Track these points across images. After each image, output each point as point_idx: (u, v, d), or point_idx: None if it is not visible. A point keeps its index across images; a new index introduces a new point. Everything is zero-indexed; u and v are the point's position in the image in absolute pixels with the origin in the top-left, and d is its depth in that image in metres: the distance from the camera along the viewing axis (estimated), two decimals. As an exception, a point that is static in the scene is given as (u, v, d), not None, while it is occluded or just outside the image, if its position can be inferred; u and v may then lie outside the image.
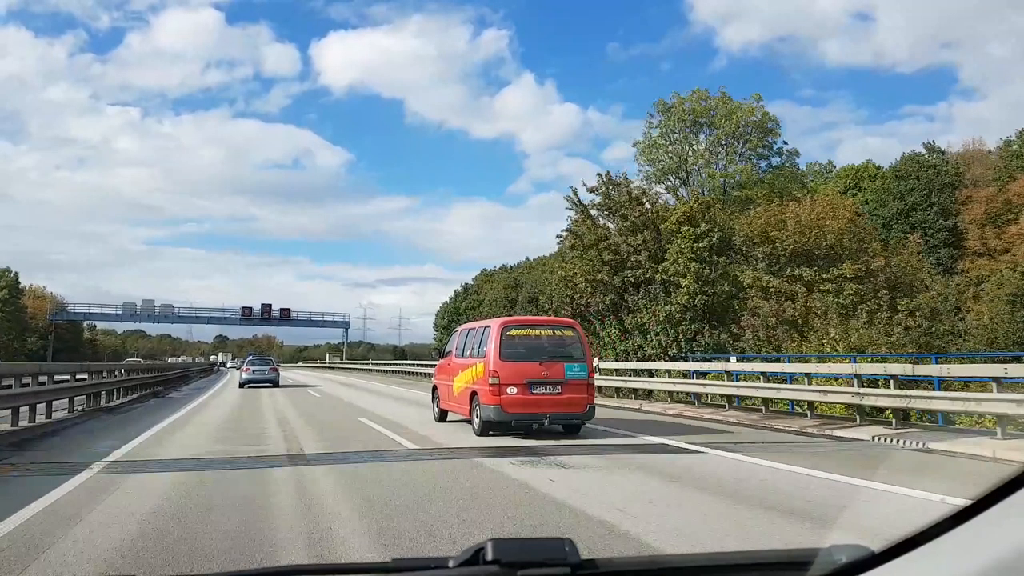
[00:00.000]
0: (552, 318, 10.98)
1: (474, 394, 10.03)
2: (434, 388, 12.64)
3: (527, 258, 61.20)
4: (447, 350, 12.21)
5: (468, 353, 10.75)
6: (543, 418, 9.42)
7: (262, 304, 77.94)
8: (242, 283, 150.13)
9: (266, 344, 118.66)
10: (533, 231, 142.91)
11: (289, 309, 78.68)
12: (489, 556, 0.97)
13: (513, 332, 9.97)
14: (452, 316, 58.60)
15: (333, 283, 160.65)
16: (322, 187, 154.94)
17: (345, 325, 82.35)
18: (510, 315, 34.29)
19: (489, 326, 10.19)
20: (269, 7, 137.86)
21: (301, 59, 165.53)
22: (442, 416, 11.93)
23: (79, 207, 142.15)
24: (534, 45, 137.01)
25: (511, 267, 63.65)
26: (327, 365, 68.73)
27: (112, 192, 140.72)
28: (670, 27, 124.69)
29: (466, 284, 66.86)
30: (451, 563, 1.00)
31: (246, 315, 77.32)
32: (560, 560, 0.99)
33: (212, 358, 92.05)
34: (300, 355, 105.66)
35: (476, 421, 9.89)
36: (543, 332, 10.26)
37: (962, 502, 0.78)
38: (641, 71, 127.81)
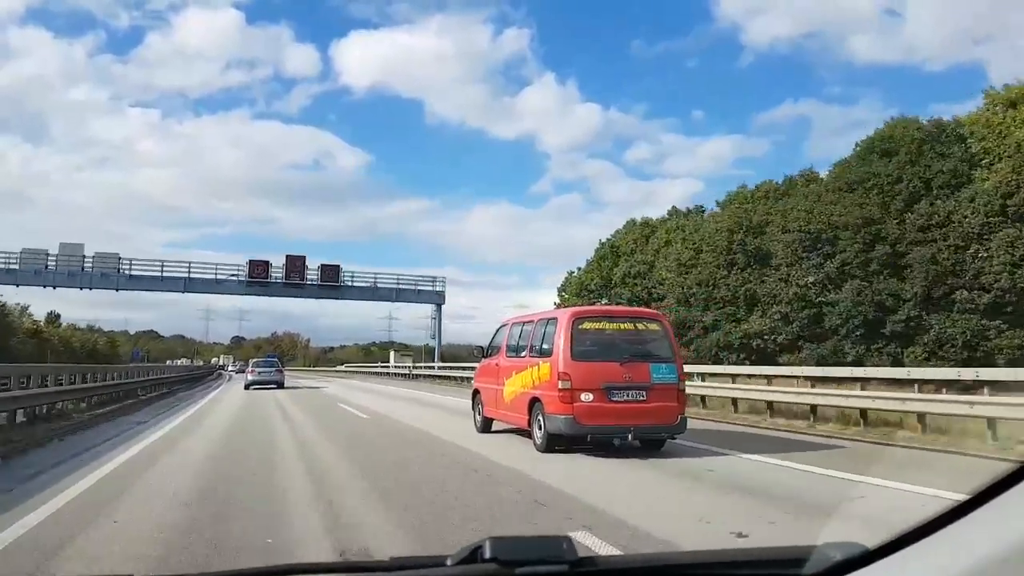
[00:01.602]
0: (633, 308, 9.79)
1: (535, 401, 8.73)
2: (475, 393, 11.42)
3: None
4: (492, 348, 11.09)
5: (524, 352, 9.48)
6: (626, 431, 7.99)
7: (289, 257, 47.15)
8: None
9: (288, 344, 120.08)
10: (553, 233, 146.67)
11: (337, 266, 48.01)
12: (487, 554, 1.02)
13: (587, 325, 8.60)
14: (583, 290, 45.09)
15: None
16: (342, 188, 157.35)
17: (437, 300, 50.48)
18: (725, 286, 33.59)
19: (555, 318, 8.85)
20: (290, 7, 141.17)
21: (321, 59, 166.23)
22: (486, 426, 10.74)
23: (101, 209, 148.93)
24: (555, 44, 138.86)
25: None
26: (399, 370, 47.44)
27: (134, 194, 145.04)
28: (695, 23, 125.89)
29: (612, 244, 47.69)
30: (449, 561, 1.05)
31: (257, 275, 46.17)
32: (558, 558, 1.04)
33: (214, 361, 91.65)
34: (325, 357, 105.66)
35: (539, 433, 8.56)
36: (623, 326, 8.89)
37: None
38: (665, 69, 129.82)
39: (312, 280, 47.49)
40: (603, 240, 48.28)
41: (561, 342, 8.40)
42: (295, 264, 47.29)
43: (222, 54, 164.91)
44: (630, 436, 8.09)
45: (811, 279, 31.60)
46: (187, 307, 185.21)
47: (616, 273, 42.69)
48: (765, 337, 32.30)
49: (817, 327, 31.34)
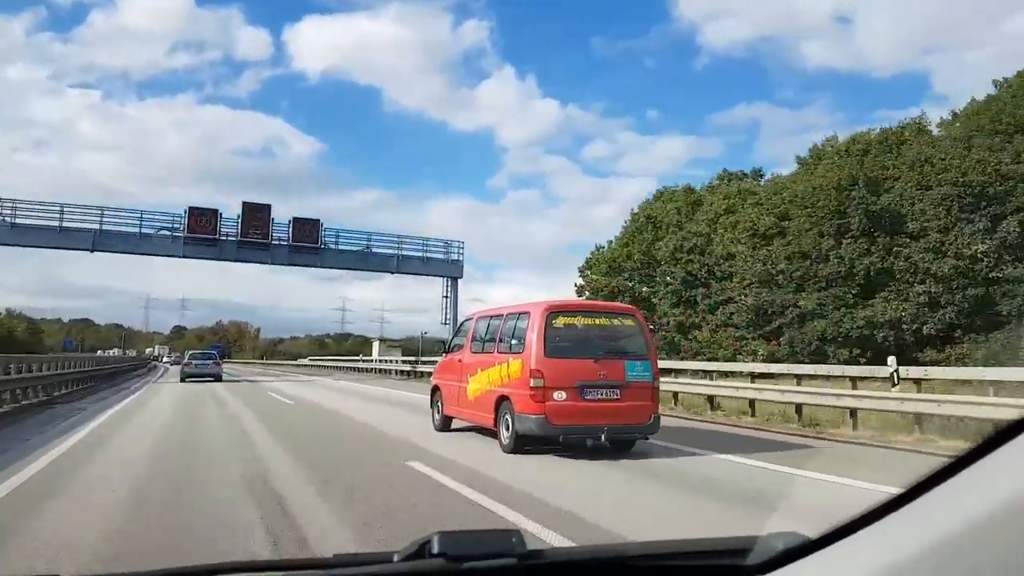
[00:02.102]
0: (608, 303, 9.69)
1: (503, 399, 8.66)
2: (434, 390, 11.35)
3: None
4: (454, 343, 11.02)
5: (492, 347, 9.42)
6: (600, 431, 7.96)
7: (248, 206, 34.24)
8: (209, 274, 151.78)
9: (235, 333, 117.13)
10: (511, 228, 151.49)
11: (317, 222, 35.22)
12: (435, 549, 1.03)
13: (561, 320, 8.55)
14: (615, 268, 39.36)
15: (304, 277, 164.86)
16: (295, 178, 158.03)
17: (452, 272, 37.55)
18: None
19: (526, 312, 8.78)
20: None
21: (274, 43, 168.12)
22: (445, 424, 10.70)
23: (40, 193, 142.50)
24: (515, 37, 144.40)
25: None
26: (388, 366, 39.23)
27: (74, 178, 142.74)
28: (654, 23, 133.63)
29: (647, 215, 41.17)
30: (396, 558, 1.07)
31: (202, 230, 32.78)
32: (507, 551, 1.06)
33: (149, 351, 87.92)
34: (275, 350, 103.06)
35: (506, 434, 8.50)
36: (598, 321, 8.86)
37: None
38: (624, 67, 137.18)
39: (280, 239, 33.94)
40: (635, 209, 42.48)
41: (534, 337, 8.34)
42: (255, 216, 33.59)
43: (168, 35, 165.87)
44: (603, 436, 8.05)
45: (981, 247, 24.59)
46: (127, 296, 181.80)
47: (661, 248, 36.69)
48: (904, 327, 25.31)
49: (984, 313, 24.43)
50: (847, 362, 22.21)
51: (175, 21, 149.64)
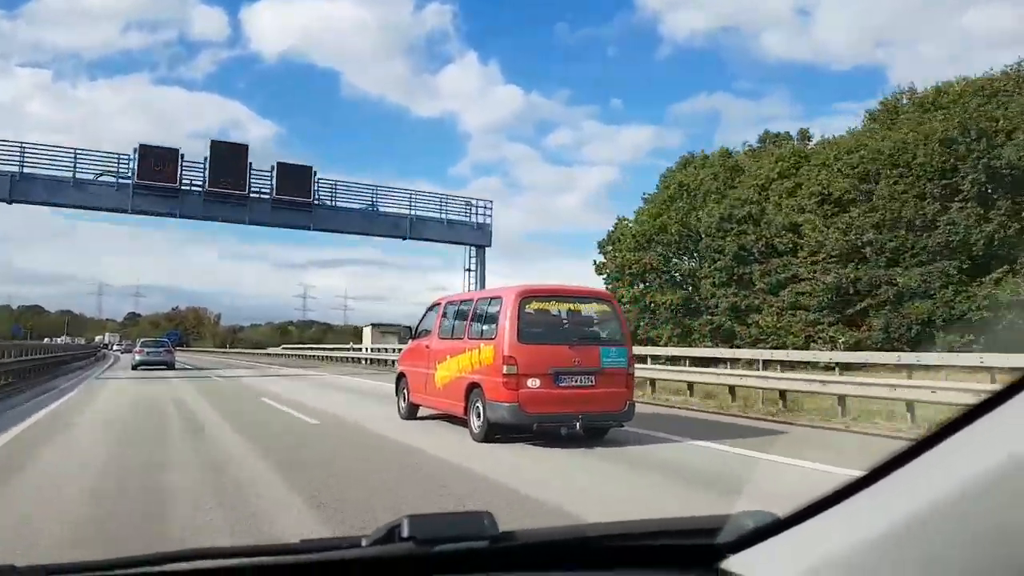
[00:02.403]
0: (582, 287, 9.54)
1: (473, 387, 8.62)
2: (399, 377, 11.33)
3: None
4: (421, 329, 10.95)
5: (461, 333, 9.36)
6: (574, 419, 7.97)
7: (218, 146, 26.09)
8: (164, 260, 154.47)
9: (192, 320, 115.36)
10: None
11: (309, 169, 26.95)
12: (405, 533, 1.04)
13: (534, 305, 8.54)
14: (645, 242, 34.46)
15: (262, 264, 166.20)
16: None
17: (478, 239, 29.15)
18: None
19: (498, 297, 8.75)
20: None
21: (230, 24, 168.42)
22: (411, 412, 10.68)
23: None
24: (478, 22, 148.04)
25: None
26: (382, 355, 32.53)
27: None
28: (617, 10, 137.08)
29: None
30: (364, 542, 1.06)
31: (158, 177, 24.45)
32: (478, 534, 1.07)
33: (98, 339, 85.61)
34: (235, 338, 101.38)
35: (476, 422, 8.46)
36: (572, 306, 8.89)
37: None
38: (587, 55, 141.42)
39: (262, 193, 25.80)
40: (664, 174, 39.02)
41: (507, 323, 8.30)
42: (229, 161, 25.11)
43: (122, 14, 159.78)
44: (578, 425, 8.05)
45: None
46: (78, 283, 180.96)
47: (703, 219, 32.60)
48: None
49: None
50: (959, 349, 19.17)
51: (129, 0, 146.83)
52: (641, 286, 34.57)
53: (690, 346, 26.58)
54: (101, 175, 24.19)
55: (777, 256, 29.40)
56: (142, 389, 16.76)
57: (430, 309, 11.01)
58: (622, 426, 8.62)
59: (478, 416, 8.48)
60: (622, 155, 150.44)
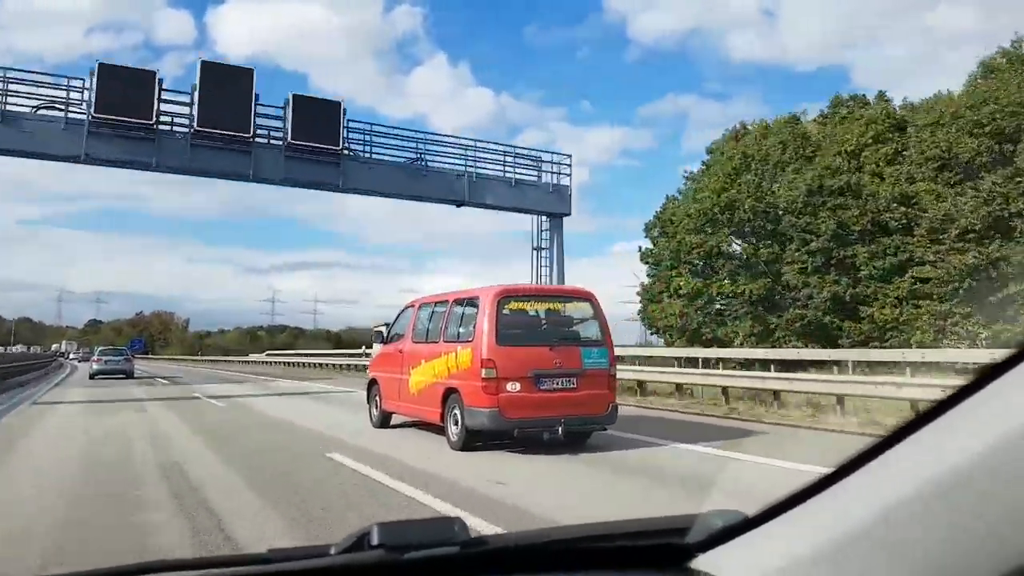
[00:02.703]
0: (561, 287, 9.60)
1: (450, 392, 8.61)
2: (371, 383, 11.31)
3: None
4: (394, 333, 10.94)
5: (437, 337, 9.36)
6: (556, 423, 7.98)
7: (209, 67, 18.27)
8: (127, 266, 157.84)
9: (158, 326, 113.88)
10: (445, 219, 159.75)
11: (338, 105, 19.79)
12: (374, 540, 1.05)
13: (513, 305, 8.57)
14: (707, 221, 29.45)
15: (227, 268, 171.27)
16: None
17: (555, 207, 22.21)
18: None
19: (475, 297, 8.75)
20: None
21: (196, 26, 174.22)
22: (384, 420, 10.69)
23: None
24: (449, 25, 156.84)
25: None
26: None
27: None
28: (587, 13, 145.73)
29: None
30: (333, 550, 1.07)
31: (121, 112, 17.08)
32: (448, 540, 1.08)
33: (55, 347, 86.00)
34: (203, 344, 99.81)
35: (454, 429, 8.45)
36: (552, 305, 8.96)
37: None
38: (558, 58, 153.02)
39: (271, 137, 19.36)
40: (711, 147, 34.66)
41: (485, 325, 8.29)
42: (228, 89, 18.44)
43: (85, 16, 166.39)
44: (560, 429, 8.05)
45: None
46: (38, 292, 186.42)
47: (780, 192, 28.22)
48: None
49: None
50: None
51: (92, 2, 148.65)
52: (701, 276, 29.93)
53: (774, 346, 23.65)
54: (40, 108, 17.20)
55: (887, 235, 25.08)
56: (100, 426, 11.24)
57: (403, 311, 11.01)
58: (605, 429, 8.67)
59: (456, 423, 8.46)
60: (591, 156, 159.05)
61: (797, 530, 0.93)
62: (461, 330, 8.89)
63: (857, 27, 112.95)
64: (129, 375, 28.56)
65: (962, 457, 0.75)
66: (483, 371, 8.05)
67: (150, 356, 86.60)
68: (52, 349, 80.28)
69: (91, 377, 27.47)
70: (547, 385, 8.20)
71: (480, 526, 4.60)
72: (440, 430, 8.90)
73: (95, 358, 30.73)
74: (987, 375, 0.77)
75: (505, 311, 8.41)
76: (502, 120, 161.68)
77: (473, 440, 8.29)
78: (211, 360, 65.31)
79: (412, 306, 10.71)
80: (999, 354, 0.79)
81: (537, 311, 8.81)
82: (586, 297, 9.16)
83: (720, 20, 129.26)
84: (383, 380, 10.80)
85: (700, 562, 1.08)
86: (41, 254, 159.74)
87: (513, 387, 8.06)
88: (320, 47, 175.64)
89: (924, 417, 0.82)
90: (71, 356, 70.05)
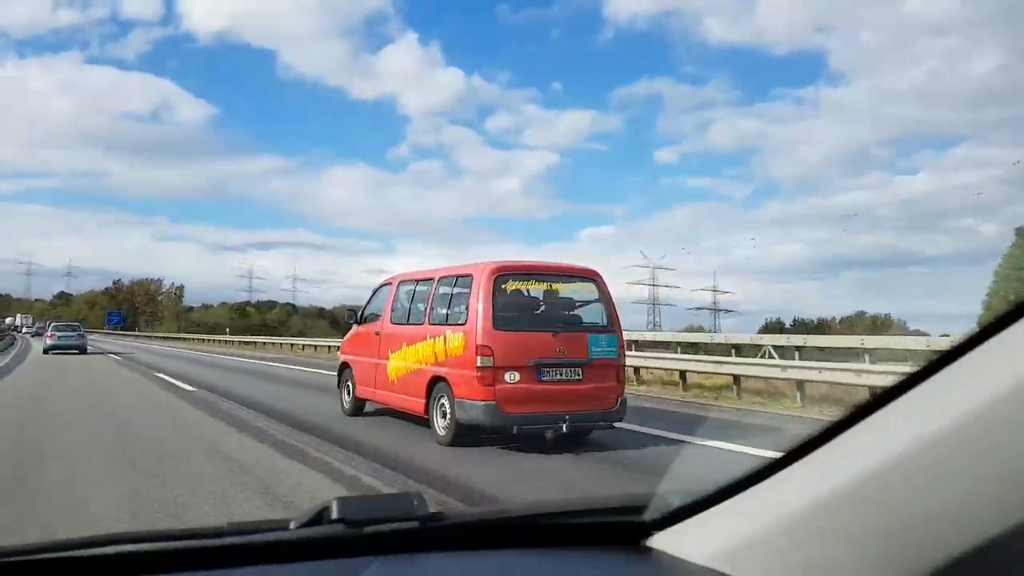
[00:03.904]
0: (563, 264, 9.66)
1: (437, 381, 8.78)
2: (343, 367, 11.63)
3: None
4: (369, 313, 11.20)
5: (420, 318, 9.53)
6: (560, 420, 8.10)
7: None
8: (95, 243, 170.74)
9: (142, 296, 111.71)
10: (413, 200, 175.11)
11: None
12: (334, 514, 1.20)
13: (511, 284, 8.69)
14: None
15: (196, 245, 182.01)
16: (185, 142, 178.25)
17: None
18: None
19: (468, 275, 8.85)
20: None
21: (163, 2, 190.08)
22: (356, 408, 11.05)
23: None
24: (419, 3, 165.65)
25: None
26: None
27: None
28: None
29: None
30: (293, 524, 1.22)
31: None
32: (408, 515, 1.24)
33: (8, 320, 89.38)
34: (185, 318, 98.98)
35: (442, 423, 8.63)
36: (553, 285, 9.05)
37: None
38: (529, 38, 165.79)
39: None
40: None
41: (479, 306, 8.36)
42: None
43: None
44: (565, 426, 8.13)
45: None
46: (3, 264, 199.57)
47: None
48: None
49: None
50: None
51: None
52: None
53: None
54: None
55: None
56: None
57: (379, 289, 11.20)
58: (612, 426, 8.83)
59: (444, 416, 8.63)
60: (561, 139, 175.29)
61: (752, 509, 1.09)
62: (450, 311, 9.02)
63: (831, 11, 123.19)
64: (83, 351, 32.52)
65: (904, 446, 0.90)
66: (478, 359, 8.14)
67: (134, 333, 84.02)
68: (7, 323, 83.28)
69: (44, 352, 31.48)
70: (549, 376, 8.33)
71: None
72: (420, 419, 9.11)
73: (49, 333, 34.66)
74: (935, 365, 0.91)
75: (502, 290, 8.53)
76: (473, 101, 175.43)
77: (463, 435, 8.41)
78: (210, 340, 60.17)
79: (390, 283, 10.87)
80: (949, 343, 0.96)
81: (537, 291, 8.94)
82: (591, 276, 9.23)
83: (696, 2, 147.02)
84: (356, 364, 11.07)
85: (657, 540, 1.23)
86: (9, 230, 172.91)
87: (511, 378, 8.17)
88: (288, 23, 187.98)
89: (872, 405, 0.96)
90: (24, 330, 75.94)
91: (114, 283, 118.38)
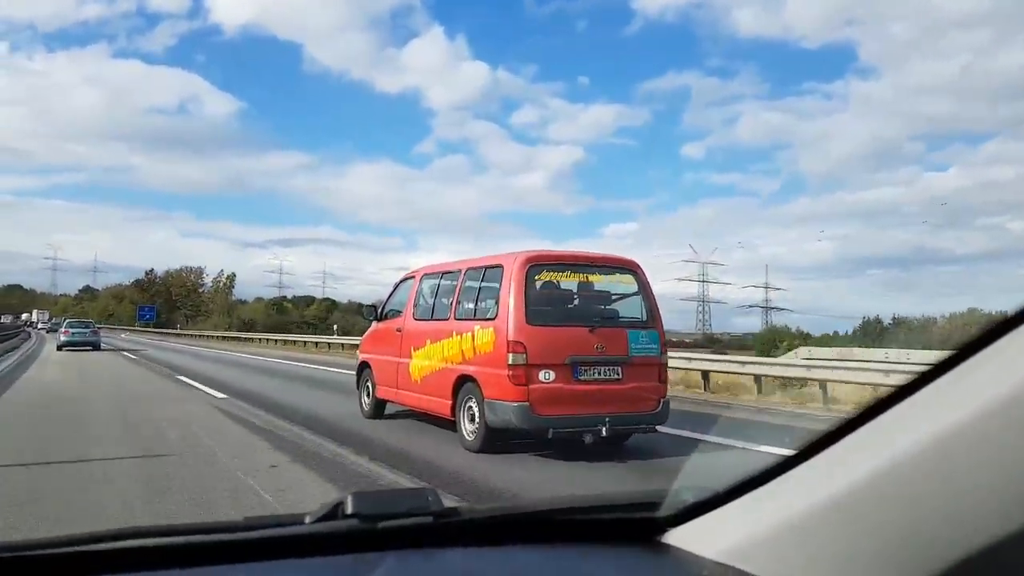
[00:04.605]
0: (601, 254, 9.69)
1: (464, 381, 8.89)
2: (362, 366, 11.85)
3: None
4: (390, 309, 11.40)
5: (446, 313, 9.64)
6: (600, 423, 8.12)
7: None
8: (120, 238, 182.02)
9: (180, 288, 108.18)
10: (437, 195, 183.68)
11: None
12: (349, 510, 1.31)
13: (545, 276, 8.78)
14: None
15: (220, 242, 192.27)
16: (210, 137, 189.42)
17: None
18: None
19: (498, 265, 8.91)
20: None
21: None
22: (377, 410, 11.23)
23: None
24: None
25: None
26: None
27: None
28: None
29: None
30: (308, 519, 1.32)
31: None
32: (423, 510, 1.35)
33: (25, 317, 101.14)
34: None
35: (469, 427, 8.73)
36: (590, 276, 9.12)
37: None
38: (556, 30, 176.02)
39: None
40: None
41: (511, 299, 8.38)
42: None
43: None
44: (604, 429, 8.13)
45: None
46: (29, 261, 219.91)
47: None
48: None
49: None
50: None
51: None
52: None
53: None
54: None
55: None
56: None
57: (401, 283, 11.37)
58: (655, 430, 8.85)
59: (472, 419, 8.71)
60: (586, 134, 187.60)
61: (765, 506, 1.17)
62: (479, 305, 9.09)
63: (862, 3, 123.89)
64: (96, 347, 35.86)
65: (917, 443, 0.96)
66: (510, 356, 8.17)
67: (176, 333, 75.63)
68: (23, 319, 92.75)
69: (58, 349, 34.54)
70: (587, 375, 8.37)
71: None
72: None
73: (63, 330, 38.14)
74: (949, 362, 0.97)
75: (535, 282, 8.59)
76: (498, 95, 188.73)
77: (494, 440, 8.46)
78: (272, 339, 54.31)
79: (412, 277, 11.00)
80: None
81: (574, 283, 8.99)
82: (631, 267, 9.23)
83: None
84: (377, 364, 11.25)
85: (671, 536, 1.33)
86: (31, 224, 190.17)
87: (546, 376, 8.20)
88: (315, 17, 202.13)
89: (884, 403, 1.03)
90: (40, 326, 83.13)
91: (146, 274, 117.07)
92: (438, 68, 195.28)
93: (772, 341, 47.15)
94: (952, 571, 0.94)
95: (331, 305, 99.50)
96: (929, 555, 0.96)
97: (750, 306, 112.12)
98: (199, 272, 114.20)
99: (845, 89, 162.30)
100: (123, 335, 70.64)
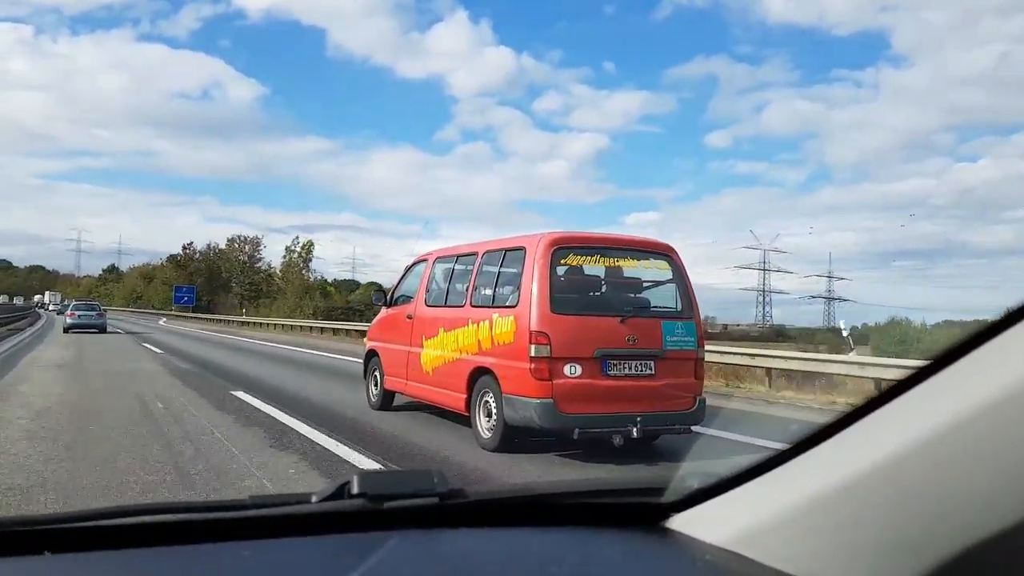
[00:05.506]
0: (632, 237, 9.72)
1: (480, 374, 8.97)
2: (369, 355, 12.08)
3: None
4: (400, 295, 11.62)
5: (461, 299, 9.76)
6: (631, 421, 8.13)
7: None
8: (144, 223, 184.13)
9: (222, 267, 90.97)
10: (458, 182, 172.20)
11: None
12: (355, 489, 1.43)
13: (571, 260, 8.82)
14: None
15: (242, 227, 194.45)
16: (233, 122, 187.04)
17: None
18: None
19: (519, 247, 8.93)
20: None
21: None
22: (385, 401, 11.49)
23: None
24: None
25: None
26: None
27: (4, 119, 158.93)
28: None
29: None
30: (315, 498, 1.45)
31: None
32: (428, 490, 1.47)
33: (36, 298, 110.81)
34: (252, 305, 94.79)
35: (486, 423, 8.84)
36: (619, 262, 9.16)
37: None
38: (583, 15, 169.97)
39: None
40: None
41: (534, 285, 8.38)
42: None
43: None
44: (635, 430, 8.15)
45: None
46: (55, 244, 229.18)
47: None
48: None
49: None
50: None
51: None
52: None
53: None
54: None
55: None
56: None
57: (413, 266, 11.54)
58: (689, 430, 8.85)
59: (488, 415, 8.81)
60: (611, 121, 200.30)
61: (769, 493, 1.30)
62: (497, 291, 9.16)
63: None
64: (102, 330, 39.34)
65: (923, 434, 1.07)
66: (532, 348, 8.16)
67: (232, 317, 67.98)
68: (35, 300, 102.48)
69: (65, 331, 38.09)
70: (616, 370, 8.42)
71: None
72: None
73: (69, 312, 41.96)
74: (954, 353, 1.06)
75: (561, 267, 8.64)
76: (522, 82, 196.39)
77: (513, 438, 8.53)
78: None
79: (425, 260, 11.13)
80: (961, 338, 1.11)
81: (602, 268, 9.03)
82: (665, 252, 9.20)
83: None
84: (385, 352, 11.47)
85: (675, 521, 1.47)
86: (56, 207, 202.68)
87: (572, 371, 8.22)
88: (339, 1, 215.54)
89: (897, 388, 1.13)
90: (51, 307, 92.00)
91: (184, 248, 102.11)
92: (462, 53, 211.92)
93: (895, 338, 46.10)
94: (957, 560, 1.04)
95: (378, 288, 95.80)
96: (936, 543, 1.06)
97: (812, 297, 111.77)
98: (255, 243, 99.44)
99: (876, 77, 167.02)
100: (162, 321, 63.31)
